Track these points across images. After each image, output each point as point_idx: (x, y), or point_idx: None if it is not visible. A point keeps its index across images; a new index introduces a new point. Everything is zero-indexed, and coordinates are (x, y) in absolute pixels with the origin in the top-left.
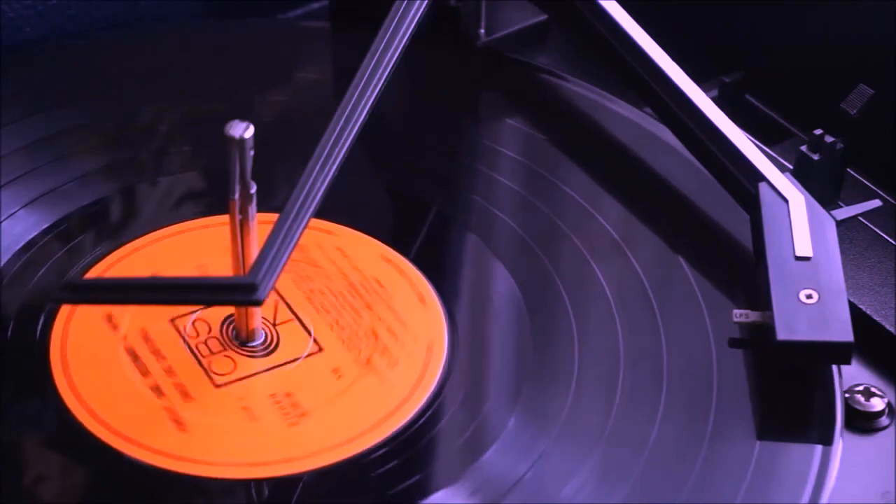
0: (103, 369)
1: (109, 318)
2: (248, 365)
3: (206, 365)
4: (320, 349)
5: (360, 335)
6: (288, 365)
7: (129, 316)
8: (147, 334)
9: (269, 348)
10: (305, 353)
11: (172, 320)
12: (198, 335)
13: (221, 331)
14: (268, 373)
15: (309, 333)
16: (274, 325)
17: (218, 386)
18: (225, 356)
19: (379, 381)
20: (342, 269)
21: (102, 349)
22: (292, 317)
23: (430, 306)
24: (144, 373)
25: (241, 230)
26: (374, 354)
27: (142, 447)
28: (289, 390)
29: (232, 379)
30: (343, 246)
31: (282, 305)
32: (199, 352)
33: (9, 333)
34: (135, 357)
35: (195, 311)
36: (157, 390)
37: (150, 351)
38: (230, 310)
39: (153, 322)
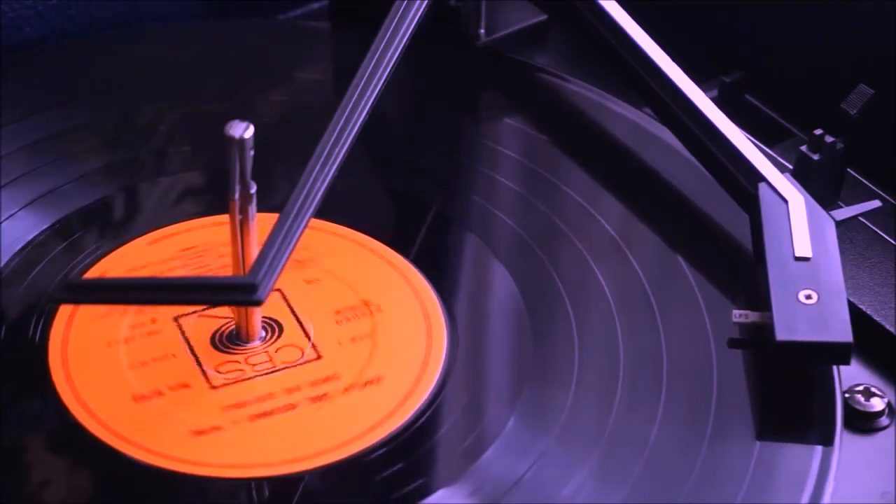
0: (103, 369)
1: (110, 317)
2: (244, 366)
3: (204, 365)
4: (319, 351)
5: (359, 337)
6: (287, 366)
7: (130, 316)
8: (147, 334)
9: (269, 349)
10: (304, 355)
11: (175, 318)
12: (198, 335)
13: (221, 331)
14: (262, 375)
15: (308, 335)
16: (274, 325)
17: (215, 387)
18: (224, 357)
19: (378, 383)
20: (342, 272)
21: (102, 349)
22: (293, 318)
23: (430, 306)
24: (144, 373)
25: (241, 230)
26: (373, 357)
27: (141, 447)
28: (287, 391)
29: (230, 380)
30: (344, 248)
31: (283, 306)
32: (199, 352)
33: (8, 334)
34: (134, 357)
35: (195, 311)
36: (157, 391)
37: (150, 351)
38: (230, 310)
39: (153, 322)
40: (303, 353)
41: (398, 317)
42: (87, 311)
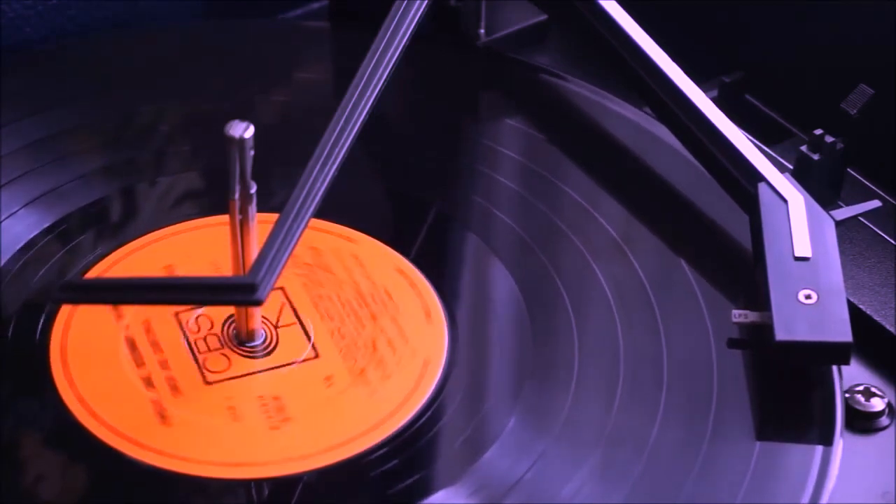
0: (103, 369)
1: (110, 318)
2: (244, 365)
3: (202, 363)
4: (318, 355)
5: (360, 344)
6: (283, 368)
7: (130, 316)
8: (148, 333)
9: (268, 350)
10: (302, 358)
11: (175, 314)
12: (199, 332)
13: (222, 329)
14: (262, 374)
15: (309, 338)
16: (275, 326)
17: (210, 384)
18: (222, 355)
19: (372, 389)
20: (353, 277)
21: (102, 349)
22: (295, 320)
23: (430, 306)
24: (145, 374)
25: (241, 230)
26: (374, 357)
27: (141, 447)
28: (279, 393)
29: (225, 378)
30: (359, 254)
31: (286, 308)
32: (198, 349)
33: (9, 333)
34: (135, 357)
35: (199, 308)
36: (157, 391)
37: (151, 351)
38: (232, 309)
39: (155, 321)
40: (300, 358)
41: (399, 317)
42: (87, 310)
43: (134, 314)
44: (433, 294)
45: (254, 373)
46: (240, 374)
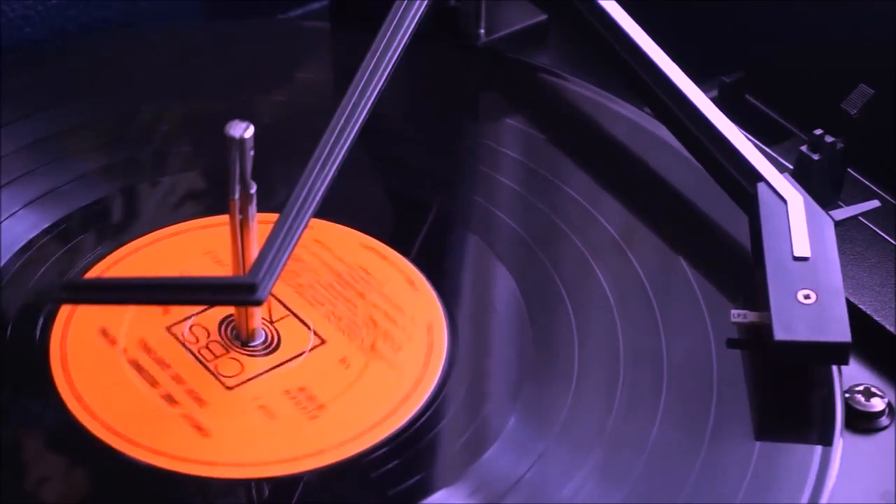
0: (103, 369)
1: (111, 317)
2: (253, 364)
3: (205, 364)
4: (322, 342)
5: (359, 323)
6: (294, 360)
7: (130, 313)
8: (147, 335)
9: (272, 347)
10: (309, 348)
11: (169, 327)
12: (197, 338)
13: (221, 332)
14: (275, 370)
15: (308, 327)
16: (271, 322)
17: (215, 385)
18: (229, 358)
19: (389, 363)
20: (325, 261)
21: (103, 349)
22: (288, 313)
23: (430, 306)
24: (143, 372)
25: (241, 230)
26: (374, 357)
27: (142, 447)
28: (301, 385)
29: (241, 380)
30: (322, 238)
31: (275, 303)
32: (201, 355)
33: (9, 334)
34: (134, 356)
35: (194, 312)
36: (156, 390)
37: (151, 352)
38: (228, 311)
39: (153, 321)
40: (307, 348)
41: (399, 317)
42: (86, 310)
43: (133, 312)
44: (433, 294)
45: (267, 370)
46: (254, 374)
